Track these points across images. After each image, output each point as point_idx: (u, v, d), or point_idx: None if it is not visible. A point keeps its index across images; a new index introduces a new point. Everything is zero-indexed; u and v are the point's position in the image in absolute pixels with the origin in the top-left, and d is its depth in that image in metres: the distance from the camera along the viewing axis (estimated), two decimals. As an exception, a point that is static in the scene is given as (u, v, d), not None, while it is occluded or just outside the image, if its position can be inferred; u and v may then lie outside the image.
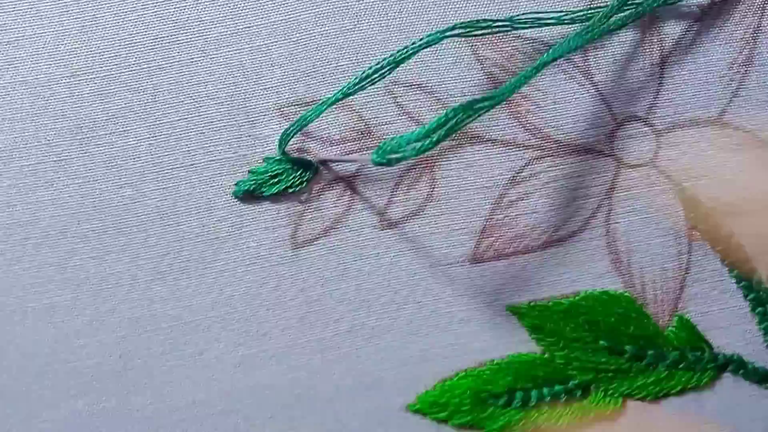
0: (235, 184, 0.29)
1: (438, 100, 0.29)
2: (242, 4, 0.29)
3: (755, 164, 0.29)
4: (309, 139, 0.29)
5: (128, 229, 0.29)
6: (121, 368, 0.29)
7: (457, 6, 0.29)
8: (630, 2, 0.28)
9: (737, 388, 0.30)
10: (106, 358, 0.29)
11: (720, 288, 0.30)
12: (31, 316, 0.29)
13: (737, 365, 0.30)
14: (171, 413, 0.29)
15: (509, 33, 0.29)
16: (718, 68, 0.30)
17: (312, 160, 0.29)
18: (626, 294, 0.30)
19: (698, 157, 0.30)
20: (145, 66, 0.29)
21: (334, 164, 0.29)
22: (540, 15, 0.28)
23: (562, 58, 0.29)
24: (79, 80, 0.29)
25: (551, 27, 0.29)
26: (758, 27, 0.30)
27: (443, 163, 0.29)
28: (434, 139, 0.24)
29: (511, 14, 0.28)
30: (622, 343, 0.29)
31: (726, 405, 0.30)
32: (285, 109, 0.29)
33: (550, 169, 0.29)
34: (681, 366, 0.30)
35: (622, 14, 0.28)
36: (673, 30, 0.30)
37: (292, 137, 0.28)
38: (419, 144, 0.24)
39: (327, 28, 0.29)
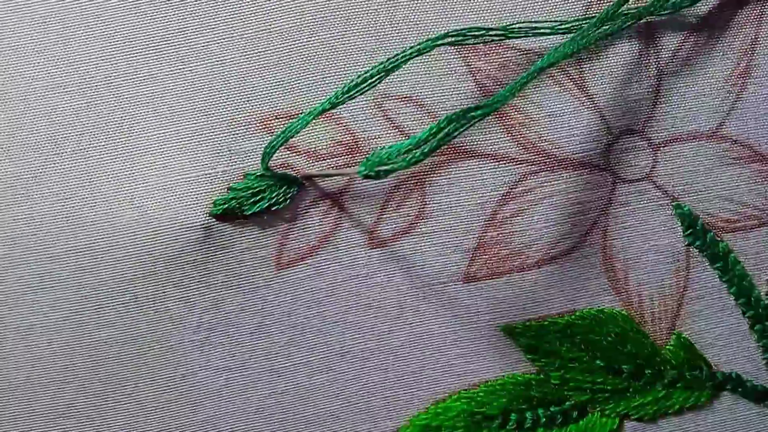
0: (213, 203, 0.27)
1: (429, 113, 0.28)
2: (224, 14, 0.28)
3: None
4: (294, 154, 0.28)
5: (103, 249, 0.27)
6: (101, 392, 0.28)
7: (450, 16, 0.28)
8: (623, 11, 0.27)
9: (736, 406, 0.29)
10: (85, 382, 0.28)
11: (718, 306, 0.29)
12: (8, 338, 0.27)
13: (736, 383, 0.29)
14: (151, 444, 0.28)
15: (502, 44, 0.28)
16: (716, 81, 0.29)
17: (296, 175, 0.28)
18: (623, 312, 0.29)
19: (696, 171, 0.29)
20: (122, 78, 0.27)
21: (320, 180, 0.28)
22: (534, 24, 0.27)
23: (556, 66, 0.28)
24: (55, 93, 0.27)
25: (545, 37, 0.28)
26: (755, 38, 0.29)
27: (434, 178, 0.28)
28: (425, 149, 0.24)
29: (505, 23, 0.27)
30: (619, 363, 0.29)
31: (725, 424, 0.29)
32: (268, 122, 0.28)
33: (544, 184, 0.29)
34: (679, 385, 0.29)
35: (617, 21, 0.27)
36: (669, 42, 0.29)
37: (277, 150, 0.27)
38: (409, 155, 0.24)
39: (312, 39, 0.28)
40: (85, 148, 0.27)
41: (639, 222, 0.29)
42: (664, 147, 0.29)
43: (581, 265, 0.29)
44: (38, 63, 0.27)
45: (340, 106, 0.27)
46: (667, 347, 0.29)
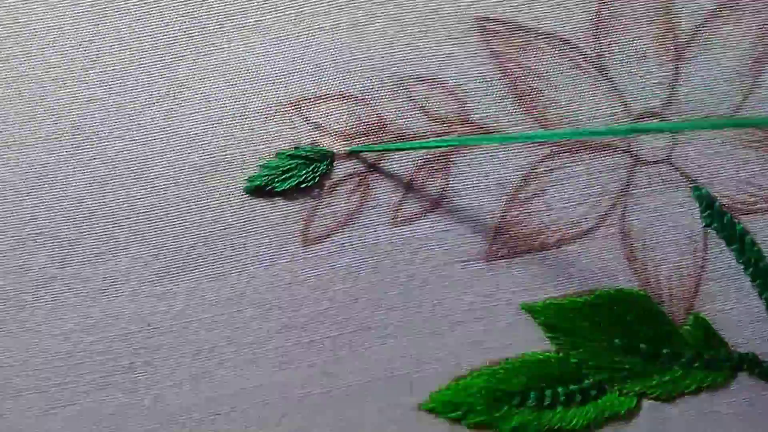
0: (248, 179, 0.28)
1: (451, 94, 0.29)
2: (255, 1, 0.29)
3: None
4: (322, 134, 0.29)
5: (139, 225, 0.28)
6: (129, 366, 0.28)
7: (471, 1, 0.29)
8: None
9: (752, 386, 0.30)
10: (113, 356, 0.28)
11: (735, 286, 0.30)
12: (36, 315, 0.28)
13: (752, 364, 0.29)
14: (180, 412, 0.29)
15: (524, 29, 0.29)
16: (734, 64, 0.30)
17: (325, 155, 0.29)
18: (642, 292, 0.29)
19: (714, 154, 0.30)
20: (157, 62, 0.28)
21: (347, 159, 0.29)
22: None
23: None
24: (80, 78, 0.28)
25: (565, 23, 0.29)
26: (773, 24, 0.30)
27: (458, 158, 0.29)
28: None
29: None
30: (637, 342, 0.29)
31: (741, 404, 0.29)
32: (297, 103, 0.29)
33: (565, 165, 0.29)
34: (696, 365, 0.29)
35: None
36: (688, 26, 0.30)
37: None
38: None
39: (339, 21, 0.29)
40: (122, 129, 0.28)
41: (657, 203, 0.30)
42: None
43: (600, 246, 0.29)
44: (70, 45, 0.28)
45: (367, 88, 0.28)
46: (685, 327, 0.30)
